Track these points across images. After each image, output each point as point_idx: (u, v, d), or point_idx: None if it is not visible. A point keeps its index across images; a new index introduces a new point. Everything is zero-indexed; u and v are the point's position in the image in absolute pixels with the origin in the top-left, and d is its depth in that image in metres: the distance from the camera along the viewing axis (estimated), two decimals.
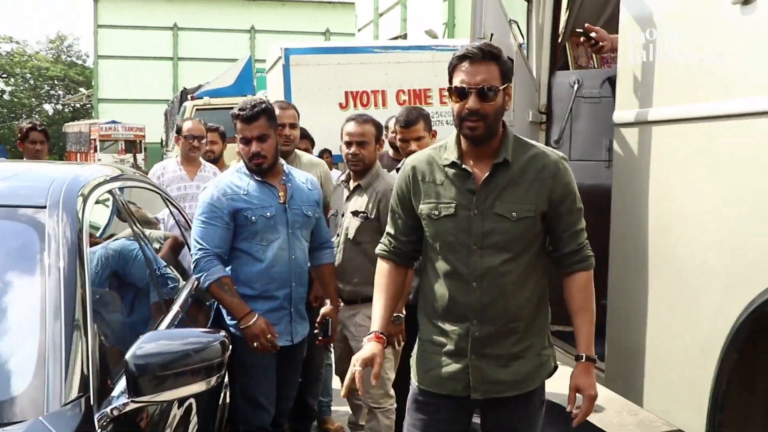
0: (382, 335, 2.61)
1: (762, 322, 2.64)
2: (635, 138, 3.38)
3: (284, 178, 3.54)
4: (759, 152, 2.67)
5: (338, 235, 3.91)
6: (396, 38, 19.53)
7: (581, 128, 4.34)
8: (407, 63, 11.19)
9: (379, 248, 2.75)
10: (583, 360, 2.52)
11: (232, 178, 3.47)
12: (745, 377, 2.77)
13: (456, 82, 2.44)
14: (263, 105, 3.44)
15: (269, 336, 3.32)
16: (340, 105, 11.36)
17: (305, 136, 5.47)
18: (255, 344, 3.30)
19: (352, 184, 3.93)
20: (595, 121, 4.27)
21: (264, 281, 3.42)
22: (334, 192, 4.16)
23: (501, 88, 2.43)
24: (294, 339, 3.53)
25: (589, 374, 2.51)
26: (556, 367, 2.61)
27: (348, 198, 3.92)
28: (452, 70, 2.47)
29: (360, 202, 3.85)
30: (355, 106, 11.28)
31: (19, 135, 5.54)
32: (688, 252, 3.05)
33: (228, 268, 3.39)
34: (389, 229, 2.71)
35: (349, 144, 3.85)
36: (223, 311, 3.44)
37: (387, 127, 5.11)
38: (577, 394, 2.51)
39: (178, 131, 5.59)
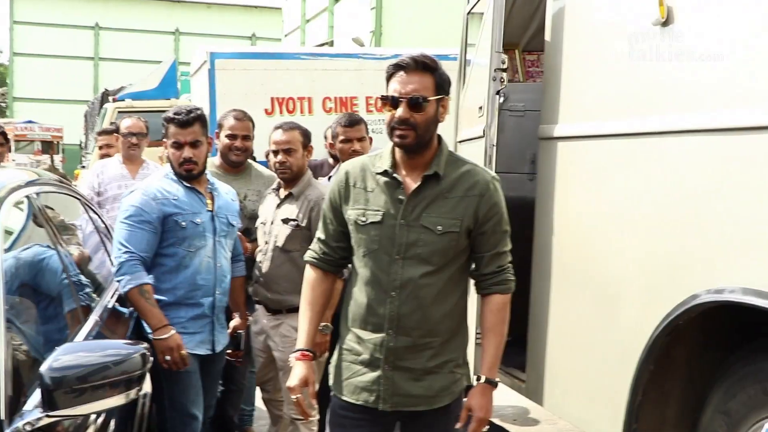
0: (309, 352, 2.61)
1: (677, 334, 2.71)
2: (559, 152, 3.44)
3: (209, 186, 3.53)
4: (675, 169, 2.75)
5: (266, 243, 3.88)
6: (322, 45, 19.52)
7: (506, 141, 4.42)
8: (333, 70, 11.20)
9: (308, 255, 2.72)
10: (482, 381, 2.51)
11: (162, 183, 3.43)
12: (660, 389, 2.83)
13: (389, 91, 2.45)
14: (198, 111, 3.43)
15: (184, 351, 3.27)
16: (266, 111, 11.24)
17: None
18: (167, 358, 3.24)
19: (282, 193, 3.89)
20: (519, 134, 4.34)
21: (189, 288, 3.38)
22: (263, 200, 4.12)
23: (433, 98, 2.44)
24: (215, 348, 3.50)
25: (484, 396, 2.49)
26: (470, 387, 2.60)
27: (279, 206, 3.88)
28: (388, 78, 2.48)
29: (291, 210, 3.82)
30: (281, 112, 11.17)
31: None
32: (607, 265, 3.10)
33: (150, 276, 3.33)
34: (320, 234, 2.70)
35: (276, 152, 3.83)
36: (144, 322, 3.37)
37: (326, 137, 5.15)
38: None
39: (116, 130, 5.48)
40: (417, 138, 2.44)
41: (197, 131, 3.40)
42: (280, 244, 3.80)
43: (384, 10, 17.80)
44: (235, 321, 3.75)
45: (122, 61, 32.02)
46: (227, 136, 4.18)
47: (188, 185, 3.42)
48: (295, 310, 3.65)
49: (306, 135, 3.90)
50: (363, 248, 2.52)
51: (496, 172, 3.13)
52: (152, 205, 3.32)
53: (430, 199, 2.47)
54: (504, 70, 4.01)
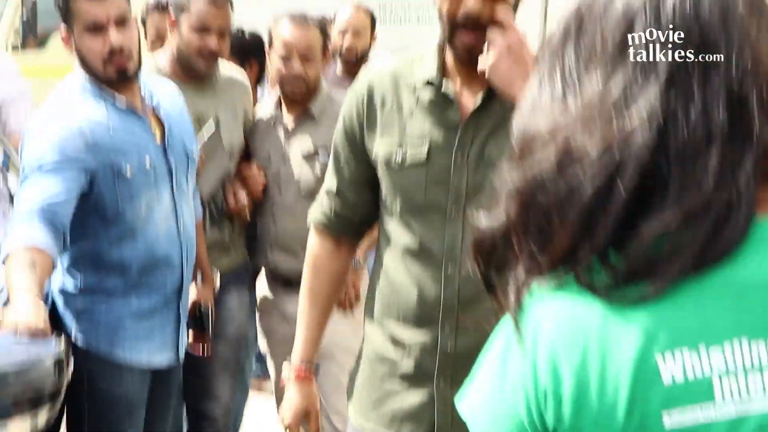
0: (308, 369, 2.65)
1: None
2: None
3: (145, 95, 3.24)
4: None
5: (277, 190, 3.87)
6: None
7: None
8: None
9: (314, 213, 2.68)
10: None
11: (81, 104, 3.12)
12: None
13: None
14: None
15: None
16: None
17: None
18: None
19: (290, 118, 3.87)
20: None
21: (143, 266, 3.20)
22: (255, 130, 4.02)
23: None
24: (179, 353, 3.37)
25: None
26: None
27: (290, 135, 3.87)
28: None
29: (309, 140, 3.81)
30: None
31: None
32: None
33: (71, 256, 3.12)
34: (329, 183, 2.64)
35: (287, 58, 3.77)
36: (59, 302, 3.16)
37: (333, 21, 5.16)
38: None
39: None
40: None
41: (121, 2, 3.07)
42: (304, 189, 3.77)
43: None
44: (197, 289, 3.61)
45: None
46: (195, 27, 3.83)
47: (123, 106, 3.15)
48: None
49: (325, 31, 3.87)
50: (400, 200, 2.46)
51: None
52: (77, 144, 3.02)
53: (497, 121, 2.38)
54: None
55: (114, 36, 3.05)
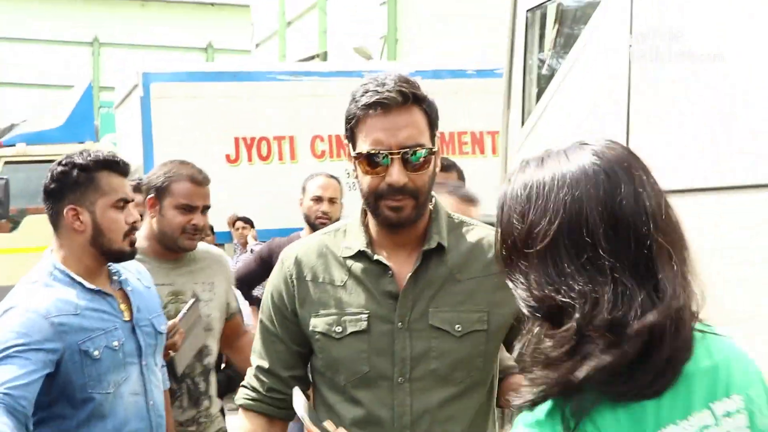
0: None
1: None
2: None
3: (115, 277, 3.37)
4: None
5: None
6: (311, 58, 19.63)
7: None
8: (327, 96, 11.20)
9: (244, 394, 2.66)
10: None
11: (49, 287, 3.20)
12: None
13: (365, 142, 2.41)
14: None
15: None
16: (228, 158, 11.26)
17: None
18: None
19: None
20: None
21: None
22: None
23: (434, 146, 2.44)
24: None
25: None
26: None
27: None
28: (356, 124, 2.44)
29: None
30: (249, 158, 11.19)
31: None
32: None
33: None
34: (259, 359, 2.64)
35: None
36: None
37: (304, 190, 5.37)
38: None
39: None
40: (416, 209, 2.44)
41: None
42: None
43: (400, 5, 17.90)
44: None
45: (14, 86, 32.20)
46: (179, 207, 4.08)
47: (90, 286, 3.24)
48: None
49: None
50: (344, 373, 2.48)
51: None
52: (45, 328, 3.09)
53: (438, 285, 2.47)
54: None
55: (134, 211, 3.32)
